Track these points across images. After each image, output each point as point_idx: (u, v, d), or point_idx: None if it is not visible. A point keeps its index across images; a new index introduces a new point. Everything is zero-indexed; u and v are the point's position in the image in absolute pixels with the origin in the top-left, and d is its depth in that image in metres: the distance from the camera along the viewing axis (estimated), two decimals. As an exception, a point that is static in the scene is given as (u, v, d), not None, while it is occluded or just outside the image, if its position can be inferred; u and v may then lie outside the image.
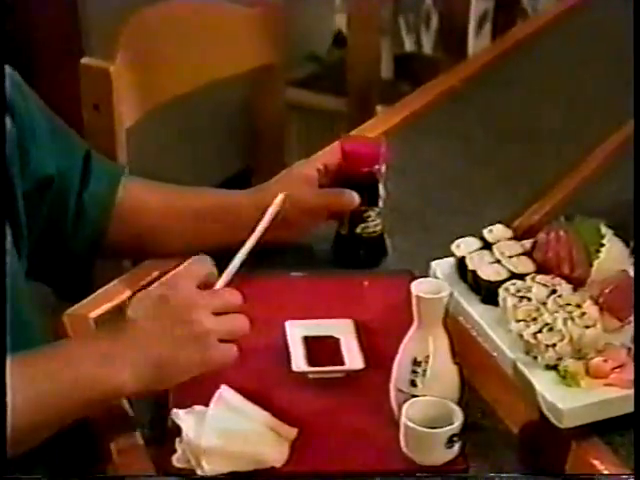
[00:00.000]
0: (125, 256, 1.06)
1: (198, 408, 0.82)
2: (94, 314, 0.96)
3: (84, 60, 1.21)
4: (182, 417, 0.81)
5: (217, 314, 0.81)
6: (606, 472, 0.79)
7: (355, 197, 1.01)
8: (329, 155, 1.04)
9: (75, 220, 0.96)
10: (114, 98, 1.21)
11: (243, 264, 0.97)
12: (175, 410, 0.82)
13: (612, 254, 0.93)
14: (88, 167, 0.98)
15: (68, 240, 0.97)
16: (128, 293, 0.99)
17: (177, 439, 0.80)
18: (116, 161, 1.22)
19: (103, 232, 0.98)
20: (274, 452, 0.80)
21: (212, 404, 0.82)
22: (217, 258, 0.87)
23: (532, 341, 0.86)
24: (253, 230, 0.88)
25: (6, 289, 0.79)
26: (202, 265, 0.83)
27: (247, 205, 0.99)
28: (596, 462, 0.80)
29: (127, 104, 1.26)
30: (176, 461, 0.79)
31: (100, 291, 0.99)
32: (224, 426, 0.80)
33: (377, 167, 1.03)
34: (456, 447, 0.80)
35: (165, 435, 0.82)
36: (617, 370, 0.83)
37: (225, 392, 0.83)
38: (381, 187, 1.04)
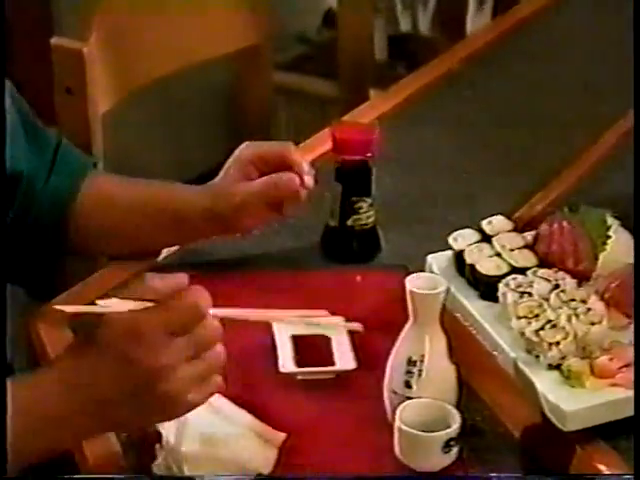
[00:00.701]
0: (93, 253, 1.06)
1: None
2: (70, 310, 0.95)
3: (55, 40, 1.21)
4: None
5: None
6: (607, 472, 0.80)
7: (293, 180, 0.98)
8: (276, 147, 1.02)
9: (35, 215, 0.97)
10: (87, 81, 1.21)
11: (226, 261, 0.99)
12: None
13: (619, 246, 0.94)
14: (54, 160, 0.99)
15: (30, 236, 0.98)
16: (104, 290, 0.99)
17: (157, 445, 0.80)
18: (90, 149, 1.22)
19: (61, 228, 0.99)
20: (260, 458, 0.81)
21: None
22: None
23: (534, 339, 0.86)
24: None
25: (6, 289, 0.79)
26: (183, 301, 0.75)
27: (198, 205, 1.00)
28: (602, 467, 0.81)
29: (102, 88, 1.26)
30: (156, 468, 0.80)
31: (74, 289, 0.99)
32: (207, 431, 0.81)
33: (370, 155, 1.04)
34: (453, 452, 0.80)
35: (144, 440, 0.82)
36: (624, 370, 0.84)
37: (208, 395, 0.83)
38: (374, 176, 1.04)
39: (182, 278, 0.77)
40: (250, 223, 1.01)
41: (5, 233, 0.83)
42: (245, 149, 1.02)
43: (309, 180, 0.99)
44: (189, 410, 0.76)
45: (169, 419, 0.77)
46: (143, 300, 0.74)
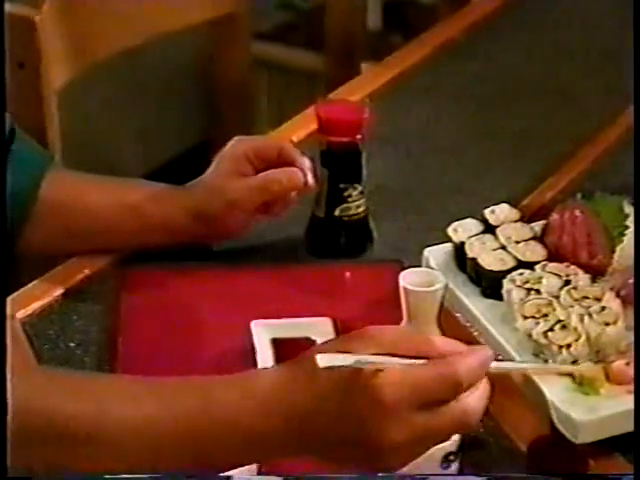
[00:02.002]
0: (54, 254, 1.07)
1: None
2: (21, 314, 0.97)
3: (7, 8, 1.21)
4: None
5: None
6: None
7: (297, 175, 1.00)
8: (274, 142, 1.05)
9: None
10: (41, 54, 1.21)
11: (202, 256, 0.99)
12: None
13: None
14: (8, 156, 0.99)
15: None
16: (59, 291, 1.00)
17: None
18: (45, 131, 1.22)
19: (19, 232, 1.00)
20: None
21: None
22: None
23: (542, 341, 0.87)
24: None
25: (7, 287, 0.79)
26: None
27: (180, 205, 1.01)
28: (617, 483, 0.82)
29: (58, 61, 1.26)
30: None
31: (27, 288, 1.00)
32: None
33: (360, 136, 1.04)
34: (453, 467, 0.81)
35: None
36: (642, 374, 0.85)
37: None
38: (364, 160, 1.05)
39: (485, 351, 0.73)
40: (239, 224, 1.03)
41: (5, 232, 0.83)
42: (239, 143, 1.04)
43: (311, 179, 1.01)
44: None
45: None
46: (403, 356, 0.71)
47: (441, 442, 0.75)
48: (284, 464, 0.79)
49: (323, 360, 0.70)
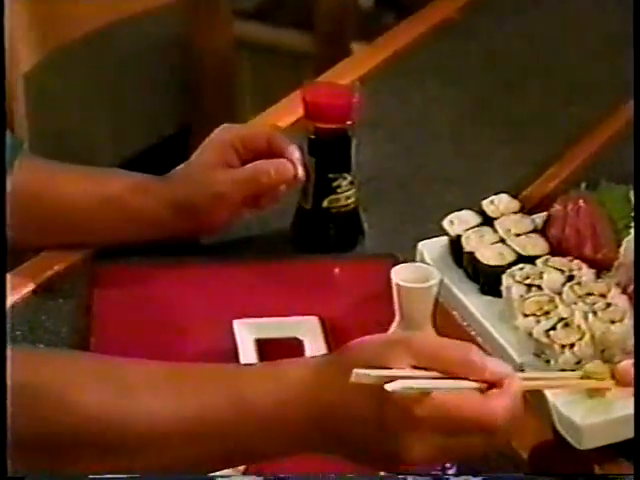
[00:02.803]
0: (23, 249, 1.07)
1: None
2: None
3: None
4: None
5: None
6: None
7: (287, 166, 1.01)
8: (262, 131, 1.05)
9: None
10: (5, 34, 1.21)
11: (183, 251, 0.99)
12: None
13: (645, 230, 0.95)
14: None
15: None
16: (28, 288, 1.00)
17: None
18: (12, 117, 1.22)
19: None
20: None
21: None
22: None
23: (544, 340, 0.88)
24: None
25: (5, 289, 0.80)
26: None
27: (159, 197, 1.02)
28: (623, 491, 0.83)
29: (24, 42, 1.26)
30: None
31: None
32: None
33: (349, 122, 1.05)
34: (450, 475, 0.82)
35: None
36: (650, 376, 0.86)
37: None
38: (354, 148, 1.06)
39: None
40: (224, 218, 1.03)
41: (5, 230, 0.84)
42: (225, 131, 1.04)
43: (301, 171, 1.02)
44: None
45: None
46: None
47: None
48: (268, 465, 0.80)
49: (360, 377, 0.71)
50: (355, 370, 0.71)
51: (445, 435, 0.72)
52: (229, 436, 0.74)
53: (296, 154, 1.02)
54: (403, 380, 0.71)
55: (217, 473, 0.77)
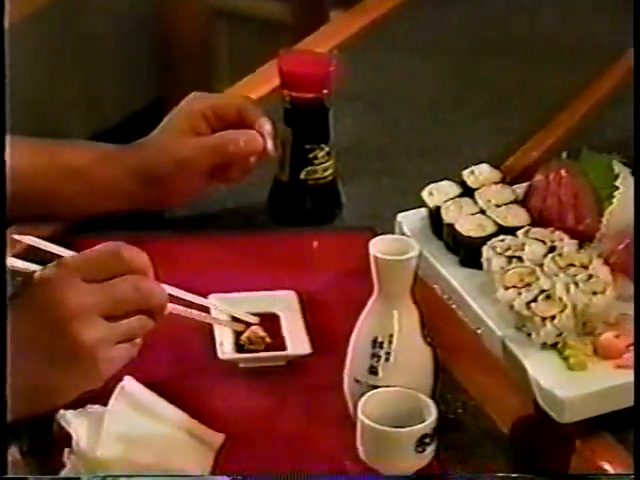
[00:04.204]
0: None
1: (93, 408, 0.83)
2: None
3: None
4: (71, 420, 0.82)
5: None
6: (611, 471, 0.82)
7: (256, 138, 1.01)
8: (234, 101, 1.05)
9: None
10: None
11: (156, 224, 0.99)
12: (62, 412, 0.83)
13: (628, 200, 0.95)
14: None
15: None
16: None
17: (66, 450, 0.81)
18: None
19: None
20: (193, 463, 0.82)
21: (112, 401, 0.83)
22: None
23: (525, 313, 0.88)
24: None
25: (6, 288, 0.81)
26: (113, 254, 0.83)
27: (123, 165, 1.02)
28: (606, 465, 0.84)
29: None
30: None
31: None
32: (127, 430, 0.82)
33: (326, 92, 1.04)
34: (428, 451, 0.82)
35: (50, 445, 0.83)
36: (632, 348, 0.86)
37: (129, 385, 0.85)
38: (332, 119, 1.05)
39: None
40: (190, 188, 1.03)
41: (5, 232, 0.85)
42: (195, 99, 1.04)
43: (270, 144, 1.02)
44: (108, 371, 0.81)
45: (89, 382, 0.81)
46: None
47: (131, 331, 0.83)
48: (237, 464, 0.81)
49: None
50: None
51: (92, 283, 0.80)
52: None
53: (267, 126, 1.02)
54: None
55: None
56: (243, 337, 0.92)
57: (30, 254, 1.00)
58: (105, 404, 0.83)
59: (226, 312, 0.93)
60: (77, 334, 0.79)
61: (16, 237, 0.90)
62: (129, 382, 0.85)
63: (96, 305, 0.80)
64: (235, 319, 0.93)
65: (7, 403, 0.76)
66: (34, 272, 0.82)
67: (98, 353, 0.80)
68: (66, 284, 0.80)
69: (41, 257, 1.00)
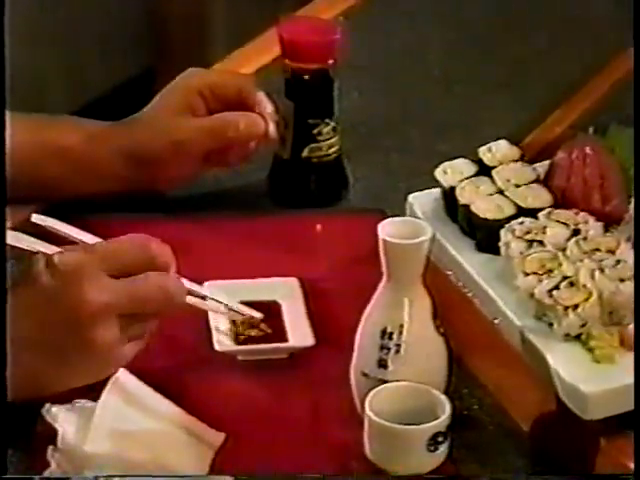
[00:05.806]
0: None
1: (81, 402, 0.83)
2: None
3: None
4: (58, 415, 0.82)
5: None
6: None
7: (258, 121, 1.01)
8: (234, 79, 1.05)
9: None
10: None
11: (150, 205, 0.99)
12: (48, 406, 0.83)
13: (659, 179, 0.95)
14: None
15: None
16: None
17: (50, 447, 0.81)
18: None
19: None
20: (190, 462, 0.82)
21: (104, 394, 0.83)
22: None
23: (546, 301, 0.88)
24: None
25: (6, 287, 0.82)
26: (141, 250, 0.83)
27: (112, 144, 1.02)
28: (631, 464, 0.84)
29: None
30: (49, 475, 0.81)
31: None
32: (120, 426, 0.82)
33: (331, 62, 1.04)
34: (441, 450, 0.82)
35: (33, 442, 0.83)
36: (663, 339, 0.86)
37: (124, 378, 0.85)
38: (337, 91, 1.05)
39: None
40: (184, 172, 1.03)
41: (5, 223, 0.85)
42: (192, 76, 1.04)
43: (273, 128, 1.01)
44: (116, 367, 0.83)
45: (94, 377, 0.82)
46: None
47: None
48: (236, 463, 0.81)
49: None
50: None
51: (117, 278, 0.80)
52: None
53: (269, 108, 1.02)
54: None
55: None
56: (238, 323, 0.92)
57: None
58: (94, 399, 0.83)
59: (239, 311, 0.93)
60: (93, 335, 0.80)
61: (35, 220, 0.90)
62: (123, 374, 0.85)
63: (117, 305, 0.81)
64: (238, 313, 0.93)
65: (6, 397, 0.77)
66: (40, 252, 0.83)
67: (111, 353, 0.81)
68: (91, 278, 0.80)
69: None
